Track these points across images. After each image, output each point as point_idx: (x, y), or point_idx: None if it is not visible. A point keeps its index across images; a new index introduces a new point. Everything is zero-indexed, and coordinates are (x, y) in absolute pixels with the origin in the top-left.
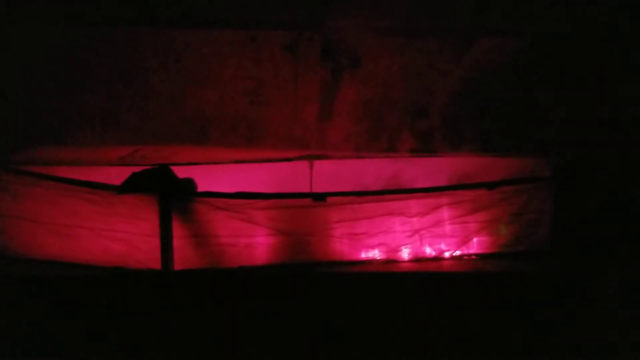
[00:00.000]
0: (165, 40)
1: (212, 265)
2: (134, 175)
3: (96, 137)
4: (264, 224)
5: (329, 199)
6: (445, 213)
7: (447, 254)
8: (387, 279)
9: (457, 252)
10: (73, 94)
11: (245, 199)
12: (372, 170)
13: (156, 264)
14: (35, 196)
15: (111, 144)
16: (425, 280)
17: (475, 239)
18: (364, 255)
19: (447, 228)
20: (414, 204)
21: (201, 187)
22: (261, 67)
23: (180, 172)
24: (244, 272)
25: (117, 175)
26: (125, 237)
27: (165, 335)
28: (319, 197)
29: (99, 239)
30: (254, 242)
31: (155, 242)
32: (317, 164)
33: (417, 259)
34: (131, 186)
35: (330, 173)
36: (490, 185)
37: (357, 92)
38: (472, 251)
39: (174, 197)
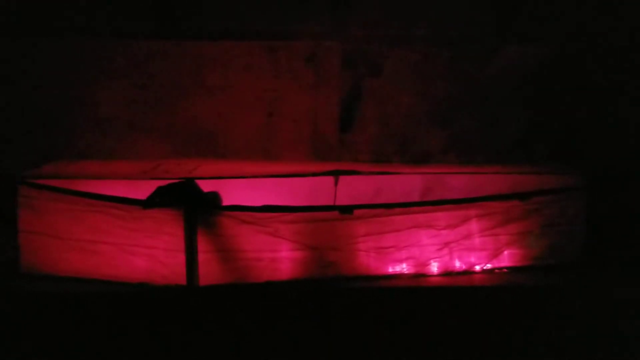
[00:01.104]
0: (184, 53)
1: (237, 280)
2: (159, 189)
3: (118, 151)
4: (290, 238)
5: (356, 212)
6: (476, 225)
7: (477, 268)
8: (416, 293)
9: (488, 266)
10: (93, 108)
11: (272, 212)
12: (399, 186)
13: (181, 279)
14: (58, 211)
15: (133, 158)
16: (455, 295)
17: (506, 252)
18: (391, 269)
19: (478, 241)
20: (443, 216)
21: (226, 202)
22: (280, 78)
23: (204, 186)
24: (270, 287)
25: (140, 189)
26: (150, 252)
27: (191, 352)
28: (346, 210)
29: (123, 254)
30: (280, 257)
31: (181, 257)
32: (342, 179)
33: (447, 273)
34: (157, 200)
35: (356, 189)
36: (522, 196)
37: (379, 102)
38: (503, 264)
39: (199, 211)
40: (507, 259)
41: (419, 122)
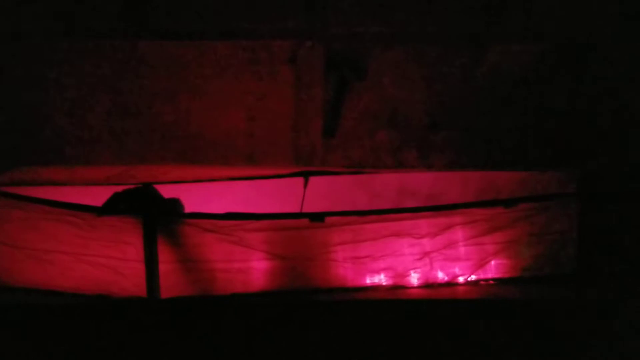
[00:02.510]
0: (161, 54)
1: (202, 292)
2: (115, 195)
3: (82, 156)
4: (258, 248)
5: (328, 219)
6: (459, 233)
7: (461, 279)
8: (395, 306)
9: (473, 277)
10: (64, 111)
11: (236, 220)
12: (380, 187)
13: (142, 291)
14: (13, 219)
15: (98, 163)
16: (437, 308)
17: (492, 262)
18: (368, 280)
19: (461, 250)
20: (422, 223)
21: (191, 208)
22: (261, 80)
23: (168, 192)
24: (237, 300)
25: (105, 195)
26: (108, 262)
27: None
28: (317, 218)
29: (79, 264)
30: (248, 267)
31: (140, 268)
32: (314, 181)
33: (428, 285)
34: (113, 207)
35: (332, 190)
36: (507, 203)
37: (363, 105)
38: (489, 276)
39: (158, 219)
40: (493, 269)
41: (407, 125)
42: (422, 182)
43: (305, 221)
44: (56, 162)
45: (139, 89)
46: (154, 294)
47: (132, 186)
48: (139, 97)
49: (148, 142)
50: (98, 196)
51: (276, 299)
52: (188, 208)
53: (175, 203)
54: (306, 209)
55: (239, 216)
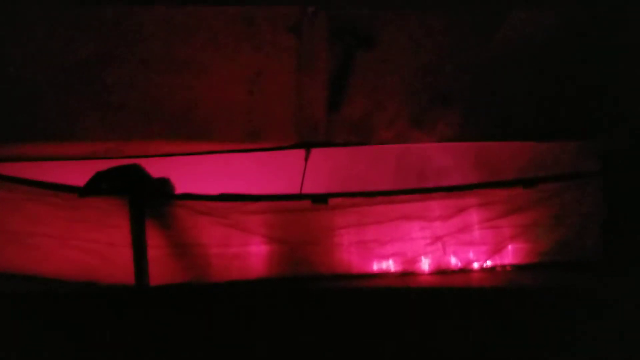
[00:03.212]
0: (154, 20)
1: (194, 280)
2: (98, 174)
3: (70, 130)
4: (255, 231)
5: (331, 201)
6: (474, 216)
7: (475, 265)
8: (404, 294)
9: (488, 263)
10: (52, 84)
11: (231, 202)
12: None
13: (129, 278)
14: None
15: (86, 139)
16: (449, 296)
17: (509, 247)
18: (375, 267)
19: (476, 234)
20: (434, 205)
21: (184, 186)
22: (260, 50)
23: (158, 168)
24: (234, 288)
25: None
26: (93, 247)
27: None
28: (319, 199)
29: (65, 249)
30: (244, 253)
31: (128, 253)
32: (316, 154)
33: (440, 271)
34: (95, 187)
35: (336, 165)
36: (526, 183)
37: (371, 77)
38: (506, 261)
39: (146, 200)
40: (510, 255)
41: (417, 99)
42: (430, 155)
43: (307, 203)
44: (42, 137)
45: (129, 60)
46: (143, 281)
47: (118, 162)
48: (129, 69)
49: (139, 118)
50: (88, 173)
51: (275, 286)
52: (180, 185)
53: (165, 183)
54: (307, 185)
55: (234, 197)
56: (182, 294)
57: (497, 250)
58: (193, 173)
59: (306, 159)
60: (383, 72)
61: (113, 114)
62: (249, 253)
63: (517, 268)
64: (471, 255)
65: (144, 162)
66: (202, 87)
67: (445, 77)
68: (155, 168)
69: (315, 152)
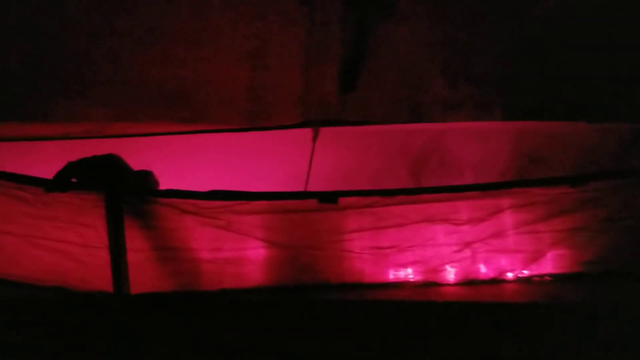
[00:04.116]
0: None
1: (181, 288)
2: (69, 165)
3: (63, 109)
4: (251, 234)
5: (342, 200)
6: (509, 219)
7: (509, 275)
8: (425, 308)
9: (525, 272)
10: (40, 62)
11: (222, 200)
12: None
13: (107, 284)
14: None
15: (81, 118)
16: (478, 311)
17: (550, 254)
18: (392, 276)
19: (511, 239)
20: (463, 206)
21: (171, 170)
22: (266, 21)
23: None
24: (227, 297)
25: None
26: (64, 247)
27: None
28: (328, 198)
29: (33, 249)
30: (239, 258)
31: (105, 256)
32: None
33: (468, 282)
34: (65, 181)
35: (347, 147)
36: (574, 181)
37: (389, 52)
38: (545, 271)
39: (123, 196)
40: (551, 263)
41: (440, 74)
42: (457, 139)
43: (313, 202)
44: (17, 117)
45: (120, 33)
46: (122, 288)
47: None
48: (120, 42)
49: (128, 98)
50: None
51: (275, 296)
52: (171, 172)
53: (146, 176)
54: (315, 171)
55: (225, 195)
56: (166, 304)
57: (534, 258)
58: (185, 156)
59: (314, 140)
60: (403, 46)
61: (97, 91)
62: (243, 258)
63: (557, 279)
64: (505, 263)
65: (128, 142)
66: (196, 61)
67: (475, 52)
68: (138, 145)
69: (325, 134)
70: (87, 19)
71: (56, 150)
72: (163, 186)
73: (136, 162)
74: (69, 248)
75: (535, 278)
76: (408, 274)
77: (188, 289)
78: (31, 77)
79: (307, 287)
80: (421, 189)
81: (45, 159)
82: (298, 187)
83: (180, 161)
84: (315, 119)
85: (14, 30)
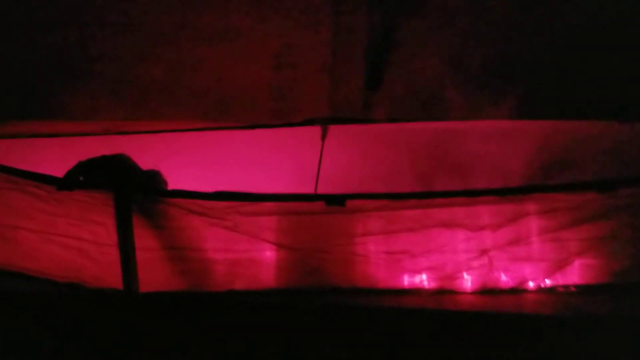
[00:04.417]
0: None
1: (189, 288)
2: (80, 164)
3: (85, 107)
4: (259, 235)
5: (350, 203)
6: (531, 225)
7: (531, 284)
8: (438, 317)
9: (547, 282)
10: (60, 58)
11: (227, 201)
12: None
13: (118, 282)
14: None
15: (105, 116)
16: (495, 322)
17: (576, 263)
18: (404, 282)
19: (533, 247)
20: (481, 211)
21: (181, 166)
22: (290, 19)
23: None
24: (234, 298)
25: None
26: (78, 244)
27: None
28: (336, 201)
29: (48, 245)
30: (246, 259)
31: (115, 254)
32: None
33: (485, 291)
34: (74, 179)
35: (359, 146)
36: (602, 186)
37: (419, 49)
38: (570, 281)
39: (132, 195)
40: (576, 273)
41: (477, 73)
42: (479, 138)
43: (320, 204)
44: (45, 115)
45: (140, 30)
46: (132, 287)
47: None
48: (142, 40)
49: (156, 96)
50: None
51: (284, 299)
52: (176, 165)
53: (154, 176)
54: (328, 170)
55: (230, 196)
56: (174, 303)
57: (558, 267)
58: (201, 152)
59: (323, 138)
60: (431, 42)
61: (121, 89)
62: (251, 260)
63: (583, 290)
64: (525, 272)
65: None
66: (221, 61)
67: (507, 48)
68: (154, 148)
69: (337, 131)
70: (112, 16)
71: (84, 147)
72: (179, 183)
73: (148, 160)
74: (82, 245)
75: (560, 288)
76: (421, 280)
77: (196, 289)
78: (53, 75)
79: (316, 290)
80: (433, 193)
81: (69, 156)
82: (309, 187)
83: (194, 158)
84: (324, 117)
85: (37, 25)
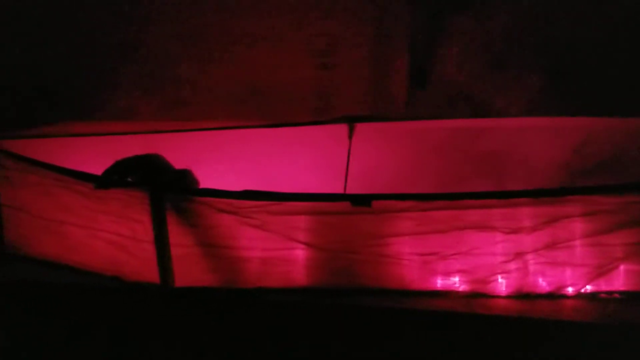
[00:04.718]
0: None
1: (221, 284)
2: (117, 163)
3: (143, 109)
4: (286, 235)
5: (377, 204)
6: (570, 228)
7: (570, 290)
8: (469, 321)
9: (588, 288)
10: (114, 60)
11: (254, 200)
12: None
13: (155, 276)
14: (28, 184)
15: (149, 117)
16: (531, 328)
17: (620, 270)
18: (433, 284)
19: (571, 252)
20: (516, 213)
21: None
22: (333, 19)
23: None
24: (262, 295)
25: None
26: (119, 240)
27: None
28: (361, 201)
29: (93, 240)
30: (275, 258)
31: (150, 249)
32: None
33: (520, 295)
34: (109, 178)
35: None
36: None
37: (465, 47)
38: (613, 287)
39: (164, 194)
40: (620, 280)
41: (521, 70)
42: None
43: (346, 205)
44: (101, 117)
45: (190, 34)
46: (167, 281)
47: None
48: (190, 44)
49: (202, 97)
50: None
51: (312, 298)
52: (212, 162)
53: (185, 175)
54: (356, 167)
55: (256, 195)
56: (207, 298)
57: (600, 273)
58: (235, 149)
59: (350, 136)
60: (478, 39)
61: (175, 91)
62: (279, 258)
63: (628, 297)
64: (564, 277)
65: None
66: (265, 60)
67: (559, 45)
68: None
69: (364, 129)
70: (153, 17)
71: (138, 145)
72: (217, 180)
73: (188, 157)
74: (122, 240)
75: (602, 295)
76: (451, 283)
77: (227, 285)
78: (112, 77)
79: (344, 290)
80: (462, 194)
81: (112, 154)
82: (341, 186)
83: (228, 154)
84: (350, 115)
85: (75, 28)
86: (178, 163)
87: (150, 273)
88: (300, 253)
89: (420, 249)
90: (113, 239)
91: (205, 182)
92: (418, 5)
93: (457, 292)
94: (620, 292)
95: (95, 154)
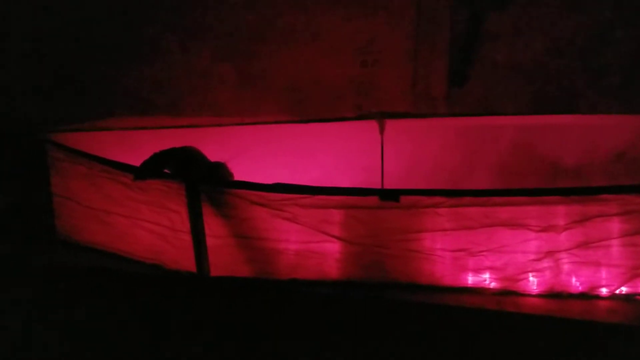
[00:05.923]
0: None
1: (255, 274)
2: (154, 156)
3: (192, 105)
4: (316, 227)
5: (405, 199)
6: (604, 227)
7: (604, 291)
8: (498, 319)
9: (623, 289)
10: (159, 56)
11: (285, 194)
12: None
13: (192, 265)
14: (77, 175)
15: (192, 113)
16: (562, 328)
17: None
18: (463, 280)
19: (605, 251)
20: (547, 211)
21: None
22: (375, 16)
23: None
24: (295, 286)
25: None
26: (158, 229)
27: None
28: (389, 196)
29: (136, 229)
30: (307, 250)
31: (187, 239)
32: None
33: (552, 294)
34: (147, 170)
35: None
36: None
37: (506, 46)
38: None
39: (200, 186)
40: None
41: (564, 69)
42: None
43: (374, 199)
44: (143, 111)
45: (232, 33)
46: (203, 270)
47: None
48: (233, 41)
49: (246, 93)
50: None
51: (344, 291)
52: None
53: (219, 167)
54: (391, 163)
55: (287, 188)
56: (243, 288)
57: (636, 274)
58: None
59: (381, 132)
60: (518, 36)
61: (224, 89)
62: (310, 251)
63: None
64: (597, 277)
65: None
66: (306, 57)
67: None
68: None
69: (397, 126)
70: (198, 14)
71: (182, 139)
72: (256, 173)
73: (229, 150)
74: (162, 230)
75: (638, 297)
76: (481, 280)
77: (261, 276)
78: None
79: (374, 284)
80: (490, 191)
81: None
82: (376, 182)
83: (267, 149)
84: (380, 111)
85: (127, 25)
86: (216, 156)
87: (187, 262)
88: (330, 246)
89: (450, 245)
90: (154, 228)
91: (242, 176)
92: (460, 3)
93: (488, 289)
94: None
95: (148, 147)
